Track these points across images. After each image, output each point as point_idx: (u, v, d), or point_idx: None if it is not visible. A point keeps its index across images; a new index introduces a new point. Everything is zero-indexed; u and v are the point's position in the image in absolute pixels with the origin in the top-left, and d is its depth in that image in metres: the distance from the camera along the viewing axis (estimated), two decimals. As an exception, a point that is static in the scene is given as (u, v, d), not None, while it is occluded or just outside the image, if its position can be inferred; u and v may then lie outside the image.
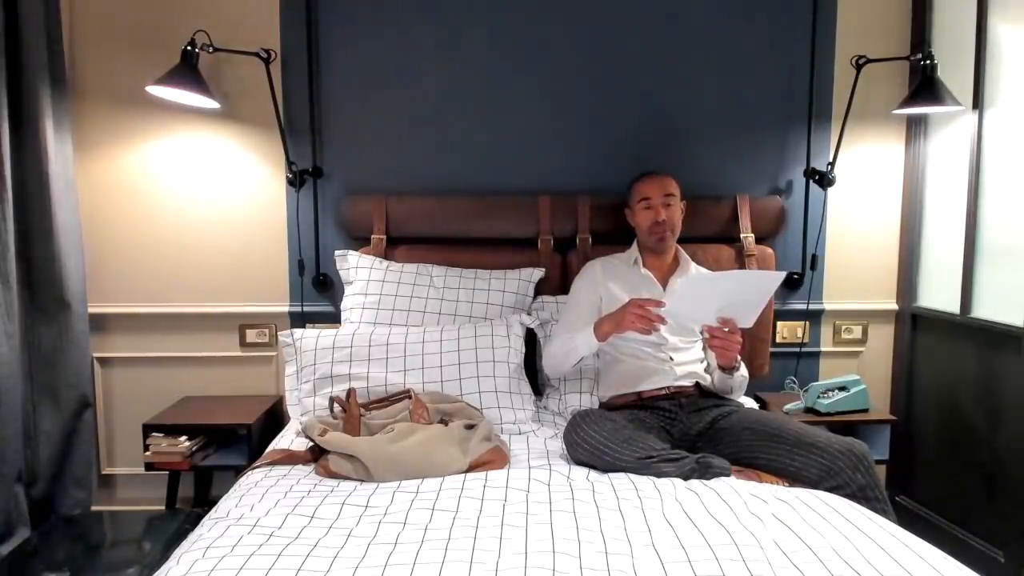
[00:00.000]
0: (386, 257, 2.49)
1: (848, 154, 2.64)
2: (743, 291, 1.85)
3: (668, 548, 1.31)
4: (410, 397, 1.97)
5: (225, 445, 2.43)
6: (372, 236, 2.51)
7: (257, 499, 1.55)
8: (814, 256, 2.66)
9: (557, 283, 2.51)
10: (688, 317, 1.85)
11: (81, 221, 2.47)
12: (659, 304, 1.86)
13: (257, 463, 1.84)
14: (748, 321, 1.89)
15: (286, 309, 2.64)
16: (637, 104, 2.61)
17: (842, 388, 2.40)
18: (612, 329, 1.97)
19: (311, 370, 2.16)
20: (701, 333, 2.20)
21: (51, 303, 2.36)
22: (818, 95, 2.62)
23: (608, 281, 2.19)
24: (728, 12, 2.59)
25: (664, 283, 2.20)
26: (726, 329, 1.90)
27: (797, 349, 2.72)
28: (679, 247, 2.29)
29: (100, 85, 2.52)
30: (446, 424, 1.86)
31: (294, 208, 2.59)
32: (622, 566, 1.24)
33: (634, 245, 2.29)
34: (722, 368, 2.07)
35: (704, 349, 2.20)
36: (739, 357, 2.02)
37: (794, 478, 1.75)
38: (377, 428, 1.85)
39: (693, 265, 2.26)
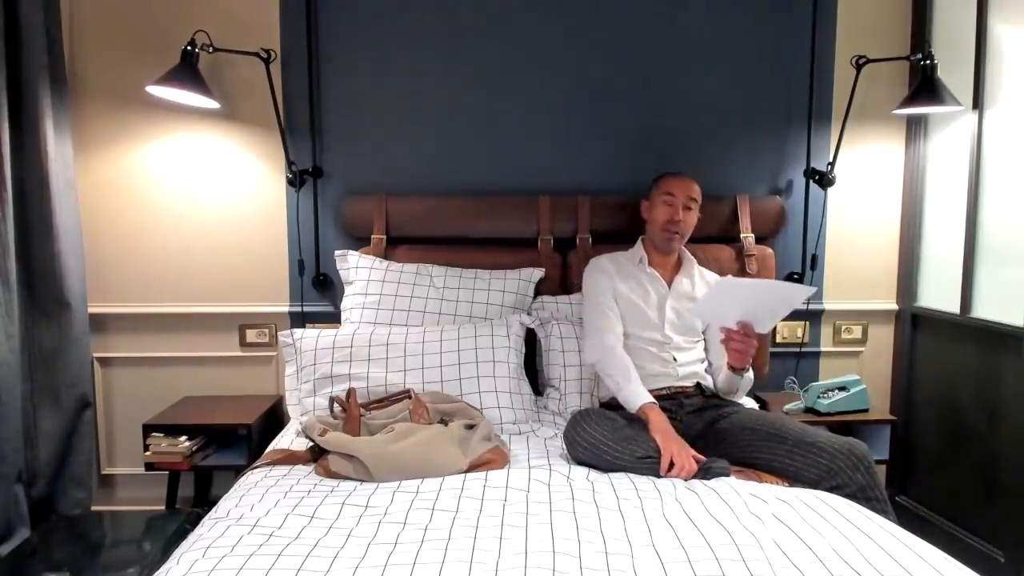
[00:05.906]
0: (386, 257, 2.49)
1: (848, 154, 2.64)
2: (770, 300, 1.86)
3: (668, 548, 1.31)
4: (410, 397, 1.97)
5: (225, 445, 2.43)
6: (372, 236, 2.51)
7: (257, 499, 1.55)
8: (814, 256, 2.65)
9: (557, 283, 2.51)
10: (710, 317, 1.85)
11: (81, 221, 2.47)
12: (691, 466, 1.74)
13: (257, 463, 1.84)
14: (765, 328, 1.91)
15: (286, 309, 2.64)
16: (637, 104, 2.61)
17: (842, 388, 2.40)
18: (654, 433, 1.82)
19: (311, 370, 2.16)
20: (702, 333, 2.21)
21: (51, 303, 2.36)
22: (818, 95, 2.62)
23: (617, 277, 2.19)
24: (728, 12, 2.59)
25: (669, 282, 2.20)
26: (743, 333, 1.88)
27: (797, 349, 2.72)
28: (683, 247, 2.29)
29: (100, 85, 2.52)
30: (446, 424, 1.86)
31: (294, 208, 2.59)
32: (622, 566, 1.24)
33: (638, 244, 2.28)
34: (732, 368, 2.04)
35: (705, 349, 2.21)
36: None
37: (794, 478, 1.75)
38: (377, 428, 1.85)
39: (696, 266, 2.26)
